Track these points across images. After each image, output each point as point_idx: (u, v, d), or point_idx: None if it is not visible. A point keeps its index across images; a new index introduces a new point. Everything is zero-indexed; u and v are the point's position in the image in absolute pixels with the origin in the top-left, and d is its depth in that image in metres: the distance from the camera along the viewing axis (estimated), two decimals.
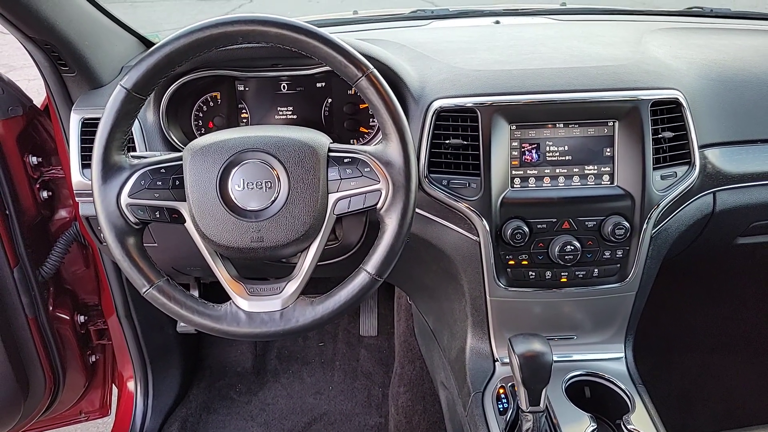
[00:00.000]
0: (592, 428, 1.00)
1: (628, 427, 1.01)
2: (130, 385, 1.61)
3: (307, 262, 0.88)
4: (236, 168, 0.84)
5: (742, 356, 1.81)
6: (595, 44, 1.22)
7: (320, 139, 0.88)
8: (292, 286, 0.87)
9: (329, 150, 0.88)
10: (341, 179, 0.87)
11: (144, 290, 0.85)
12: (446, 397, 1.33)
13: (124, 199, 0.83)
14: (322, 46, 0.82)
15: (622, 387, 1.08)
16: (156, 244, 1.16)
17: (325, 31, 0.83)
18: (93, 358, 1.55)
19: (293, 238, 0.85)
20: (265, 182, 0.84)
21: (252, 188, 0.84)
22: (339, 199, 0.87)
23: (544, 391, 0.94)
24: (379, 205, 0.87)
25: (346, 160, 0.87)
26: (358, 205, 0.87)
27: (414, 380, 1.62)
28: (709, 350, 1.82)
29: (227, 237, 0.84)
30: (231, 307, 0.87)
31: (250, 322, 0.86)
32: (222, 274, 0.87)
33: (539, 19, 1.52)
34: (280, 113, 1.17)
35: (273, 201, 0.84)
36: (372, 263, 0.87)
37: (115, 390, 1.68)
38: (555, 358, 1.15)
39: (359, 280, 0.88)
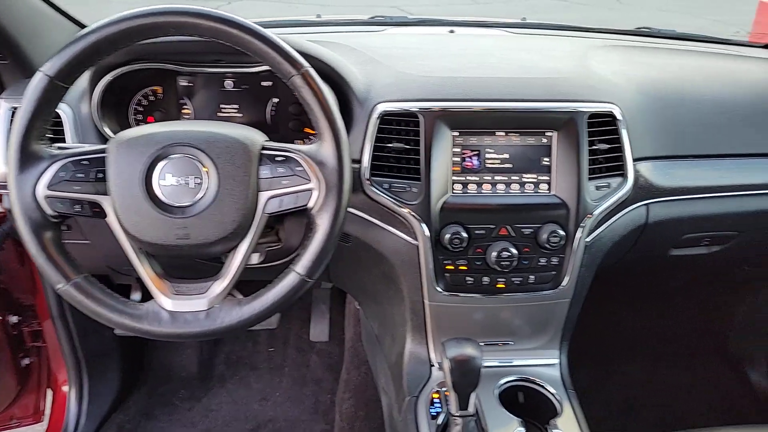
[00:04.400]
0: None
1: (554, 431, 1.02)
2: (65, 389, 1.55)
3: (236, 261, 0.87)
4: (163, 162, 0.82)
5: (680, 363, 1.86)
6: (542, 57, 1.25)
7: (253, 137, 0.87)
8: (219, 285, 0.86)
9: (263, 148, 0.87)
10: (273, 178, 0.86)
11: (59, 287, 0.82)
12: (387, 402, 1.33)
13: (42, 190, 0.80)
14: (256, 41, 0.82)
15: (553, 392, 1.10)
16: (88, 242, 1.13)
17: (260, 27, 0.83)
18: (26, 361, 1.49)
19: (221, 236, 0.83)
20: (193, 178, 0.82)
21: (179, 183, 0.82)
22: (270, 197, 0.86)
23: (473, 395, 0.95)
24: (310, 205, 0.86)
25: (278, 159, 0.86)
26: (290, 204, 0.86)
27: (359, 386, 1.61)
28: (651, 358, 1.87)
29: (151, 233, 0.82)
30: (153, 306, 0.84)
31: (172, 321, 0.84)
32: (146, 271, 0.85)
33: (494, 31, 1.55)
34: (224, 111, 1.16)
35: (201, 197, 0.83)
36: (302, 264, 0.86)
37: (50, 394, 1.62)
38: (492, 364, 1.17)
39: (288, 280, 0.87)
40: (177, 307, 0.84)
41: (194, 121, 0.96)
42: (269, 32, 0.82)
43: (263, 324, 1.85)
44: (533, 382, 1.12)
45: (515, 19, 1.74)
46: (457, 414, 0.95)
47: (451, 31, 1.47)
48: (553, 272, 1.09)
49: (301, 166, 0.86)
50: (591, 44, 1.37)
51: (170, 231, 0.82)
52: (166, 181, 0.82)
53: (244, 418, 1.71)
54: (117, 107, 1.12)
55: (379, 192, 1.05)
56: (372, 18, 1.58)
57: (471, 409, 0.95)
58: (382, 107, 1.04)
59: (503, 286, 1.09)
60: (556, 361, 1.18)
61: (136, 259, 0.85)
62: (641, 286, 1.88)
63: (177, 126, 0.86)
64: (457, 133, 1.06)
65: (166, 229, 0.82)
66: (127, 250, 0.85)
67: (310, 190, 0.86)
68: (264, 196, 0.86)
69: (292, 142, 1.17)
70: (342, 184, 0.86)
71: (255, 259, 1.19)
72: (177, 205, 0.83)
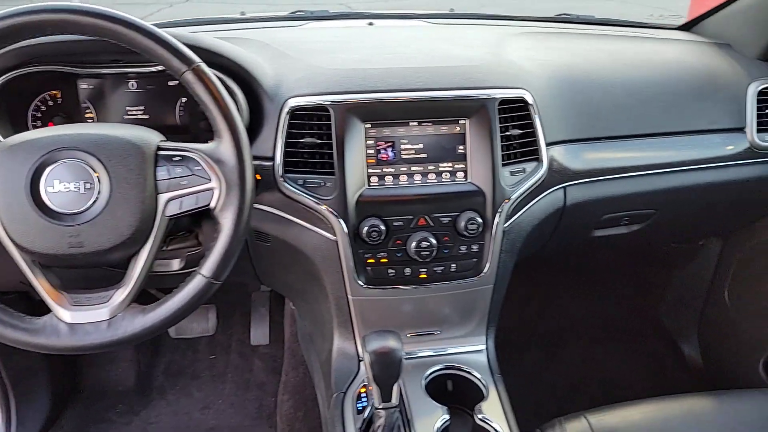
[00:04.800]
0: (443, 419, 1.01)
1: (479, 416, 1.03)
2: None
3: (137, 268, 0.84)
4: (50, 168, 0.78)
5: (619, 341, 1.91)
6: (456, 46, 1.26)
7: (148, 137, 0.84)
8: (121, 294, 0.83)
9: (158, 148, 0.84)
10: (171, 179, 0.83)
11: None
12: (321, 401, 1.31)
13: None
14: (142, 38, 0.79)
15: (479, 377, 1.10)
16: None
17: (146, 23, 0.80)
18: None
19: (117, 243, 0.80)
20: (84, 183, 0.79)
21: (68, 190, 0.78)
22: (170, 199, 0.84)
23: (395, 386, 0.94)
24: (212, 205, 0.84)
25: (175, 159, 0.84)
26: (191, 205, 0.84)
27: (297, 387, 1.59)
28: (591, 338, 1.91)
29: (41, 243, 0.78)
30: (51, 319, 0.81)
31: (71, 333, 0.80)
32: (40, 284, 0.81)
33: (414, 21, 1.55)
34: (131, 113, 1.12)
35: (92, 203, 0.79)
36: (207, 266, 0.84)
37: None
38: (419, 354, 1.17)
39: (194, 284, 0.85)
40: (76, 319, 0.81)
41: (84, 124, 0.92)
42: (156, 28, 0.80)
43: (200, 331, 1.81)
44: (459, 368, 1.12)
45: (443, 10, 1.75)
46: (380, 407, 0.94)
47: (370, 24, 1.46)
48: (474, 259, 1.10)
49: (199, 165, 0.84)
50: (507, 32, 1.38)
51: (62, 240, 0.79)
52: (54, 188, 0.79)
53: (185, 428, 1.66)
54: (13, 113, 1.06)
55: (293, 189, 1.03)
56: (292, 13, 1.56)
57: (395, 401, 0.95)
58: (292, 102, 1.02)
59: (425, 276, 1.09)
60: (483, 347, 1.18)
61: (29, 271, 0.81)
62: (574, 269, 1.93)
63: (64, 130, 0.82)
64: (369, 126, 1.05)
65: (58, 238, 0.78)
66: (19, 263, 0.81)
67: (210, 189, 0.84)
68: (163, 198, 0.83)
69: (205, 143, 1.14)
70: (243, 183, 0.84)
71: (176, 265, 1.15)
72: (67, 212, 0.79)
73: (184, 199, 0.84)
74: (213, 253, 0.84)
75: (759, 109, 1.27)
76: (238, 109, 0.86)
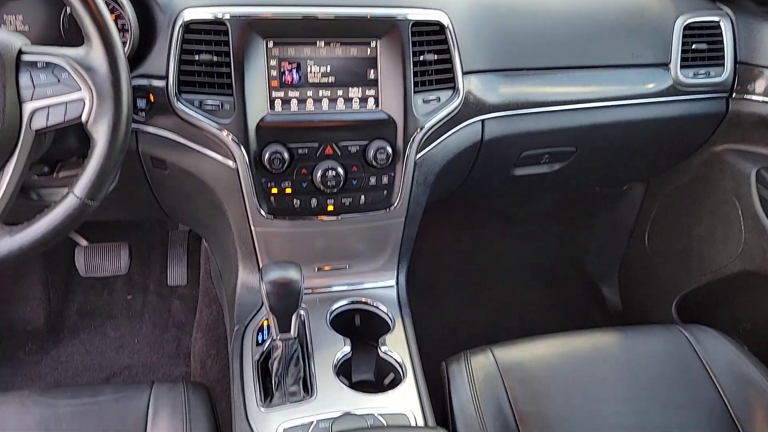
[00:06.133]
0: (345, 351, 0.99)
1: (383, 348, 1.02)
2: None
3: (2, 186, 0.76)
4: None
5: (542, 286, 1.94)
6: None
7: (8, 40, 0.75)
8: None
9: (20, 52, 0.75)
10: (35, 87, 0.75)
11: None
12: (228, 337, 1.28)
13: None
14: None
15: (386, 311, 1.08)
16: None
17: None
18: None
19: None
20: None
21: None
22: (35, 110, 0.76)
23: (295, 318, 0.91)
24: (84, 118, 0.77)
25: (40, 65, 0.76)
26: (59, 117, 0.76)
27: (210, 325, 1.55)
28: (514, 282, 1.94)
29: None
30: None
31: None
32: None
33: None
34: (8, 23, 1.00)
35: None
36: (80, 185, 0.77)
37: None
38: (327, 288, 1.14)
39: (66, 205, 0.78)
40: None
41: None
42: None
43: (112, 270, 1.72)
44: (366, 303, 1.10)
45: None
46: (278, 338, 0.91)
47: None
48: (384, 192, 1.06)
49: (66, 72, 0.76)
50: None
51: None
52: None
53: (98, 367, 1.61)
54: None
55: (189, 110, 0.95)
56: None
57: (293, 333, 0.92)
58: (186, 14, 0.93)
59: (333, 208, 1.04)
60: (393, 282, 1.16)
61: None
62: (504, 216, 1.93)
63: None
64: (271, 44, 0.97)
65: None
66: None
67: (80, 100, 0.76)
68: (27, 108, 0.75)
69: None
70: (118, 93, 0.76)
71: None
72: None
73: (52, 109, 0.76)
74: (86, 170, 0.77)
75: (684, 44, 1.24)
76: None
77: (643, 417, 1.01)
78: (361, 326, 1.12)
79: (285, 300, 0.89)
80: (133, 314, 1.73)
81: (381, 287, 1.15)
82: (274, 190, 1.01)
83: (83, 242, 1.71)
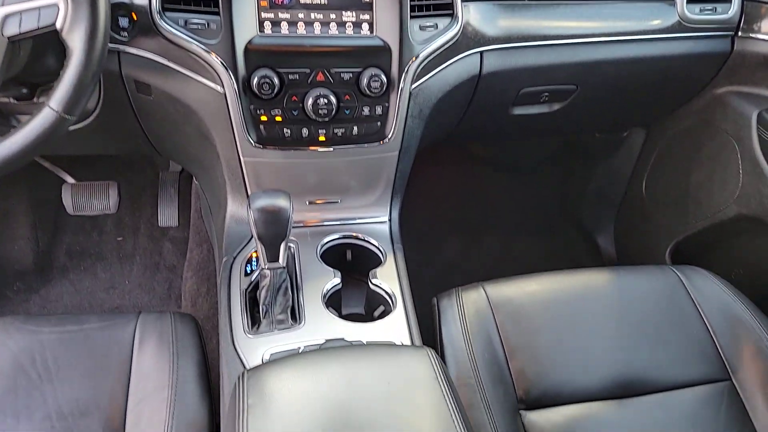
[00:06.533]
0: (334, 283, 0.97)
1: (373, 281, 1.00)
2: None
3: None
4: None
5: (538, 234, 1.94)
6: None
7: None
8: None
9: None
10: None
11: None
12: (217, 272, 1.27)
13: None
14: None
15: (378, 245, 1.07)
16: None
17: None
18: None
19: None
20: None
21: None
22: (7, 15, 0.72)
23: (283, 247, 0.89)
24: (58, 25, 0.73)
25: None
26: (32, 23, 0.73)
27: (201, 263, 1.54)
28: (511, 230, 1.93)
29: None
30: None
31: None
32: None
33: None
34: None
35: None
36: (56, 97, 0.74)
37: None
38: (319, 222, 1.12)
39: (41, 118, 0.75)
40: None
41: None
42: None
43: (101, 209, 1.69)
44: (358, 238, 1.08)
45: None
46: (266, 267, 0.90)
47: None
48: (378, 123, 1.02)
49: None
50: None
51: None
52: None
53: (87, 307, 1.60)
54: None
55: (173, 29, 0.91)
56: None
57: (281, 262, 0.90)
58: None
59: (324, 138, 1.01)
60: (386, 218, 1.14)
61: None
62: (502, 164, 1.90)
63: None
64: None
65: None
66: None
67: (54, 5, 0.72)
68: None
69: None
70: None
71: None
72: None
73: (24, 15, 0.72)
74: (62, 81, 0.74)
75: None
76: None
77: (631, 352, 1.01)
78: (352, 261, 1.10)
79: (273, 228, 0.87)
80: (123, 256, 1.72)
81: (374, 222, 1.13)
82: (264, 118, 0.98)
83: (70, 180, 1.67)
